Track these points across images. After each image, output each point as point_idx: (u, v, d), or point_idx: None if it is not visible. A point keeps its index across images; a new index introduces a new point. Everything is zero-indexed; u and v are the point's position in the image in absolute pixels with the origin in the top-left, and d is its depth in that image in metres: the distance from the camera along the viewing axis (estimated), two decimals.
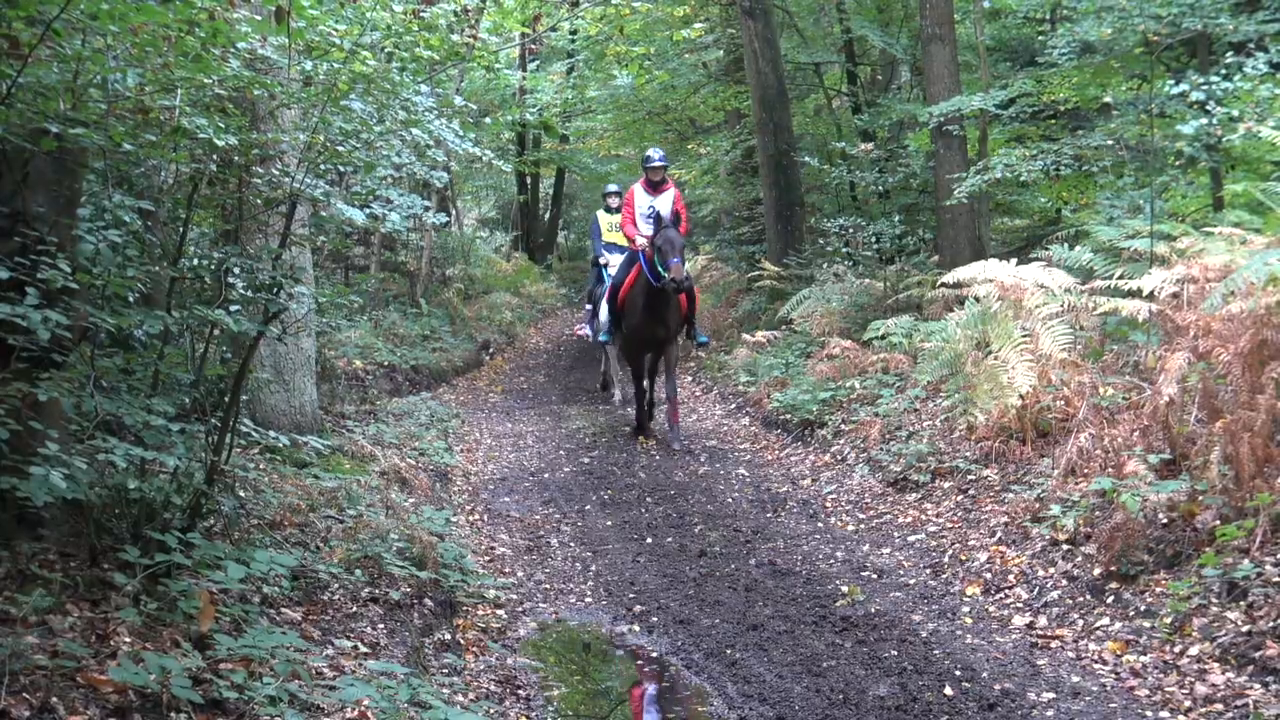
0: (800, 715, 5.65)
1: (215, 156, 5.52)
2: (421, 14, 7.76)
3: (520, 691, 6.13)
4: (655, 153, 13.37)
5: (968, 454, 9.26)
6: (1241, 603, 5.74)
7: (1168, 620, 5.95)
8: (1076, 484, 7.59)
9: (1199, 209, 11.57)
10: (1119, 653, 5.95)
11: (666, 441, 12.60)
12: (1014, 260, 10.31)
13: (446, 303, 20.33)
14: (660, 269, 12.01)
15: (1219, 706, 5.19)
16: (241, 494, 6.41)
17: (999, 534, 7.86)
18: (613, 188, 16.88)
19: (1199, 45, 11.50)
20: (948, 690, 5.76)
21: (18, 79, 4.46)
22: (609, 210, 16.20)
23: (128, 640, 4.44)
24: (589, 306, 16.22)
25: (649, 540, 9.04)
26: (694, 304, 12.91)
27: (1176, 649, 5.75)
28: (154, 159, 5.54)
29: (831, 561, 8.24)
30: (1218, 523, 6.31)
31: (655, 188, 12.92)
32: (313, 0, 5.93)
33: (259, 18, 5.88)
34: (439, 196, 19.78)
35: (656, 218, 12.25)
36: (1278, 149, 8.48)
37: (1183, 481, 6.74)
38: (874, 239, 16.21)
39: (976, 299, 9.97)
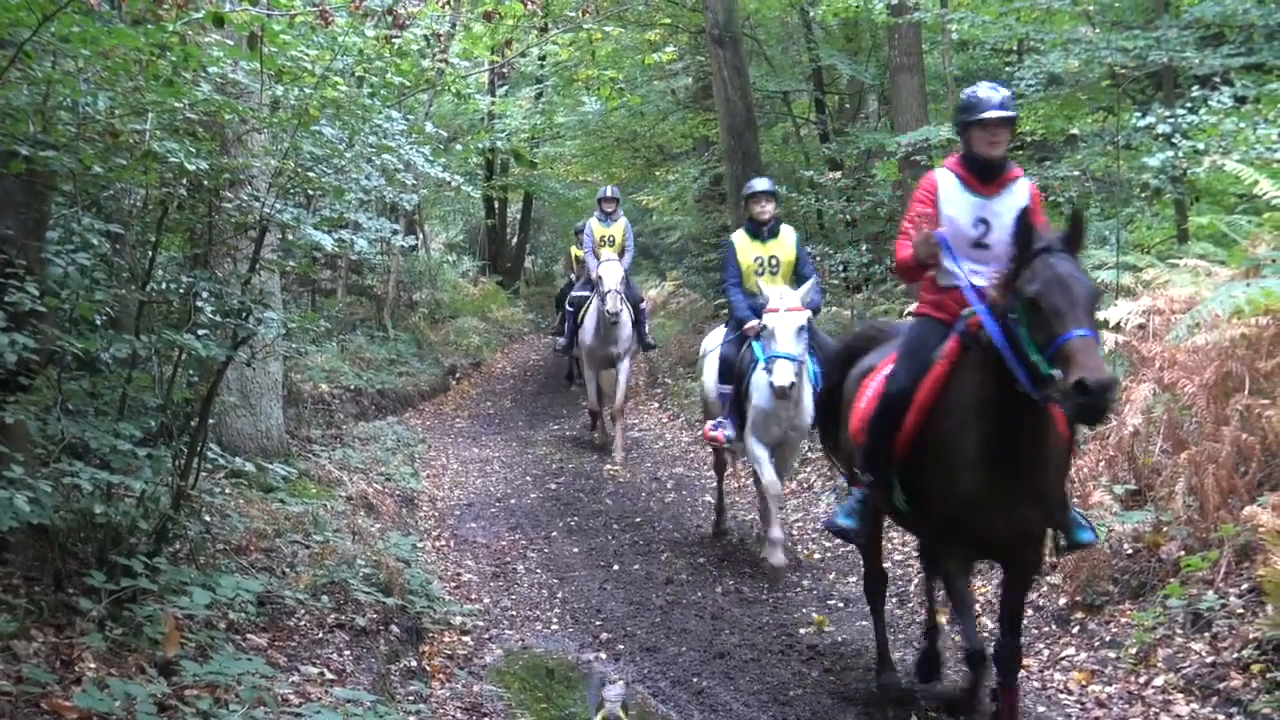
0: None
1: (185, 181, 5.51)
2: (393, 39, 7.79)
3: (486, 719, 6.12)
4: (993, 92, 5.58)
5: None
6: (1206, 634, 5.77)
7: (1133, 651, 5.98)
8: None
9: (1164, 241, 11.65)
10: (1084, 683, 5.97)
11: None
12: None
13: (413, 327, 20.25)
14: (1035, 354, 4.73)
15: None
16: (208, 519, 6.39)
17: None
18: (761, 185, 9.31)
19: (1165, 79, 11.60)
20: None
21: None
22: (756, 232, 9.15)
23: (93, 666, 4.41)
24: (725, 390, 9.15)
25: (616, 567, 9.03)
26: (1073, 447, 5.89)
27: (1141, 680, 5.78)
28: (123, 182, 5.52)
29: (798, 590, 8.25)
30: (1182, 554, 6.36)
31: (985, 177, 5.67)
32: (285, 26, 5.94)
33: (231, 42, 5.89)
34: (407, 220, 19.72)
35: (1024, 230, 4.88)
36: (1242, 182, 8.56)
37: (1148, 512, 6.78)
38: (841, 267, 16.25)
39: None
